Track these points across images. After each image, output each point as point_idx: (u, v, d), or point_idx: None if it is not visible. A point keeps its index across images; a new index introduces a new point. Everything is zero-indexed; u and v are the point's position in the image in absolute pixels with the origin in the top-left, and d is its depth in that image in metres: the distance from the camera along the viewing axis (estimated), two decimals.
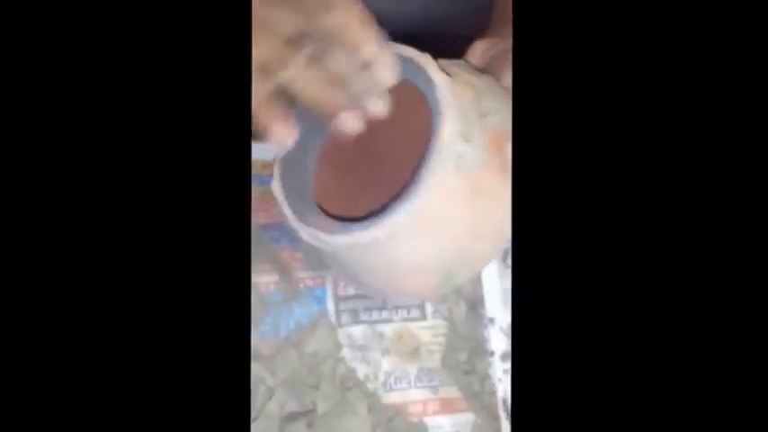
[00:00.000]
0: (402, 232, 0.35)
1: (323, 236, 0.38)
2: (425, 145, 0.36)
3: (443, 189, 0.35)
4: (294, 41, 0.33)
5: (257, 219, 0.50)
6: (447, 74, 0.37)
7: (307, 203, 0.42)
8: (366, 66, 0.34)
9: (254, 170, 0.48)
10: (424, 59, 0.37)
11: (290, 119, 0.35)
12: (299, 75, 0.34)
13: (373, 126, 0.39)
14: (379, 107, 0.36)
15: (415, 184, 0.35)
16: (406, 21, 0.57)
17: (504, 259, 0.47)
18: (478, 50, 0.43)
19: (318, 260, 0.49)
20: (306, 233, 0.39)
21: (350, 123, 0.36)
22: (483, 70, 0.41)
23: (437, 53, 0.38)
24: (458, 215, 0.36)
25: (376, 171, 0.43)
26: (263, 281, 0.48)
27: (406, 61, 0.36)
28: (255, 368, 0.46)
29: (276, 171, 0.41)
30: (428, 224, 0.36)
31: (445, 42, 0.41)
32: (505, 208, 0.36)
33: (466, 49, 0.44)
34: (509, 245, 0.47)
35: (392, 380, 0.46)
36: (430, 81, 0.36)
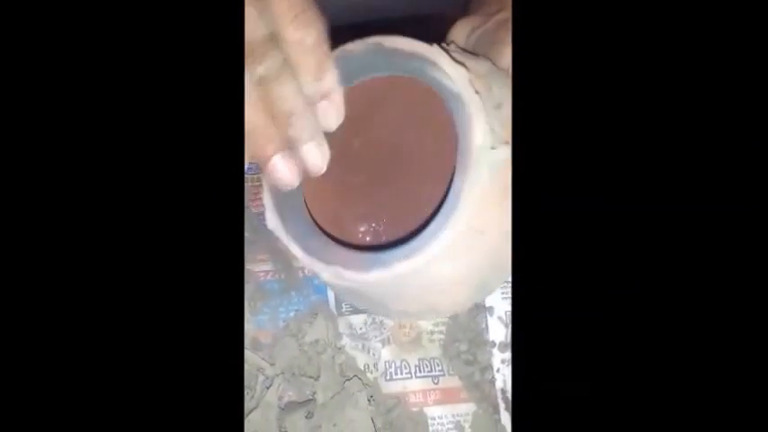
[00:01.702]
0: (444, 254, 0.31)
1: (351, 274, 0.32)
2: (451, 151, 0.32)
3: (482, 197, 0.31)
4: (252, 52, 0.30)
5: (254, 207, 0.49)
6: (462, 65, 0.32)
7: (314, 234, 0.36)
8: (313, 102, 0.30)
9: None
10: (434, 52, 0.32)
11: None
12: (250, 90, 0.30)
13: (377, 134, 0.36)
14: (316, 161, 0.31)
15: (454, 199, 0.30)
16: (378, 6, 0.52)
17: None
18: (463, 31, 0.39)
19: None
20: (328, 273, 0.33)
21: (283, 173, 0.31)
22: (475, 53, 0.36)
23: (418, 38, 0.33)
24: (493, 221, 0.32)
25: (392, 185, 0.39)
26: (261, 270, 0.48)
27: (410, 57, 0.32)
28: (254, 358, 0.46)
29: (268, 201, 0.34)
30: (468, 238, 0.31)
31: (425, 25, 0.36)
32: None
33: (446, 31, 0.39)
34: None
35: (392, 369, 0.46)
36: (445, 76, 0.31)
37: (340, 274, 0.32)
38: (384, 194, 0.42)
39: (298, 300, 0.47)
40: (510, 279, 0.46)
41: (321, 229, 0.37)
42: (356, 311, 0.47)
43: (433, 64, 0.32)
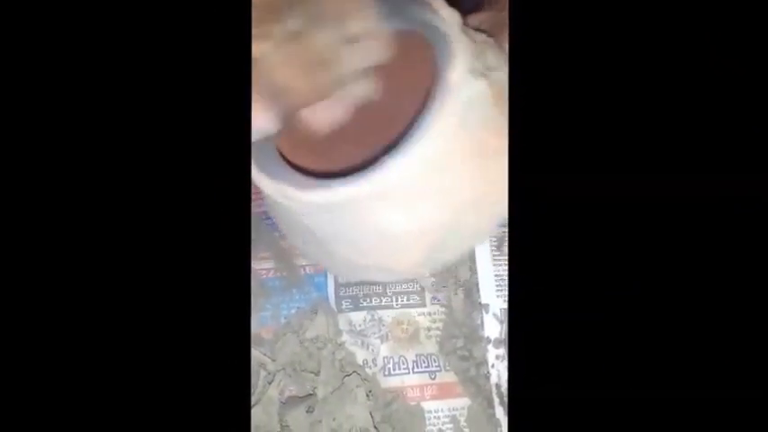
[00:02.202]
0: (391, 192, 0.29)
1: (292, 192, 0.31)
2: (427, 92, 0.30)
3: (445, 145, 0.29)
4: (276, 10, 0.29)
5: (256, 206, 0.50)
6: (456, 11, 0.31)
7: (274, 156, 0.34)
8: (353, 41, 0.29)
9: None
10: None
11: (269, 103, 0.30)
12: (276, 50, 0.29)
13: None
14: (364, 91, 0.30)
15: (413, 135, 0.29)
16: None
17: (500, 247, 0.48)
18: (473, 23, 0.38)
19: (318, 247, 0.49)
20: (271, 188, 0.32)
21: (327, 115, 0.30)
22: (480, 30, 0.35)
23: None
24: (457, 180, 0.30)
25: (364, 121, 0.36)
26: (263, 268, 0.49)
27: (405, 3, 0.31)
28: (256, 354, 0.46)
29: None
30: (422, 186, 0.30)
31: None
32: (502, 183, 0.31)
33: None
34: (505, 231, 0.48)
35: (391, 365, 0.47)
36: (436, 15, 0.31)
37: (283, 190, 0.31)
38: (352, 140, 0.38)
39: (299, 297, 0.48)
40: (503, 273, 0.47)
41: (283, 157, 0.35)
42: (356, 309, 0.48)
43: (426, 4, 0.31)
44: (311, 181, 0.32)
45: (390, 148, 0.30)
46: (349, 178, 0.30)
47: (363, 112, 0.34)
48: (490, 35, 0.36)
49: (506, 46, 0.35)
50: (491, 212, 0.33)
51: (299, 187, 0.31)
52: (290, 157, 0.35)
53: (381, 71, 0.31)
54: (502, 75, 0.32)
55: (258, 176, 0.32)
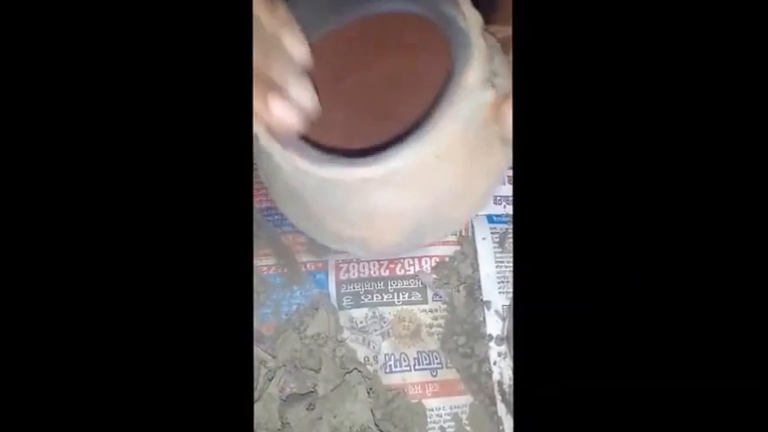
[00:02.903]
0: (395, 179, 0.31)
1: (301, 163, 0.32)
2: (442, 85, 0.32)
3: (451, 142, 0.31)
4: None
5: (258, 202, 0.50)
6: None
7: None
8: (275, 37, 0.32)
9: None
10: None
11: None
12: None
13: (375, 56, 0.36)
14: (300, 94, 0.32)
15: (425, 130, 0.31)
16: None
17: (502, 244, 0.47)
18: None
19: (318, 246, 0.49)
20: (281, 156, 0.33)
21: (281, 111, 0.32)
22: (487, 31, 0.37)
23: None
24: (451, 173, 0.33)
25: (377, 105, 0.38)
26: (264, 264, 0.49)
27: None
28: (257, 350, 0.46)
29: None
30: (422, 174, 0.32)
31: None
32: (492, 180, 0.33)
33: None
34: (508, 229, 0.48)
35: (392, 362, 0.47)
36: (460, 15, 0.32)
37: (292, 160, 0.32)
38: (369, 124, 0.41)
39: (300, 294, 0.48)
40: (505, 270, 0.47)
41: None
42: (357, 305, 0.48)
43: (451, 2, 0.32)
44: (321, 156, 0.33)
45: (402, 138, 0.31)
46: (360, 160, 0.32)
47: (374, 96, 0.36)
48: (499, 41, 0.37)
49: (510, 56, 0.36)
50: (468, 207, 0.36)
51: (307, 159, 0.32)
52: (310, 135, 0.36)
53: (394, 56, 0.33)
54: (503, 82, 0.33)
55: (269, 143, 0.33)
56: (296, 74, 0.32)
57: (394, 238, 0.36)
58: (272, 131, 0.33)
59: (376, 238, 0.36)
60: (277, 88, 0.32)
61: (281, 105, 0.31)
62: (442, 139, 0.31)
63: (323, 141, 0.36)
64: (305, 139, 0.35)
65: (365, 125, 0.37)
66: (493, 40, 0.35)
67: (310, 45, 0.34)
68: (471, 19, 0.32)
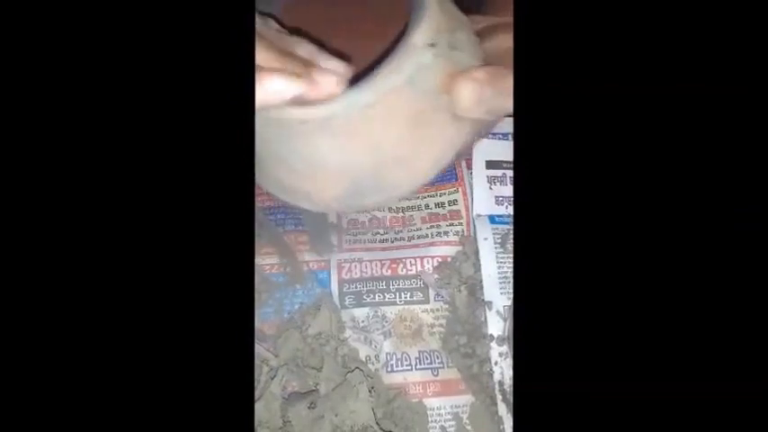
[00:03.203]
0: (334, 125, 0.32)
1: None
2: (390, 45, 0.33)
3: (391, 97, 0.32)
4: None
5: (261, 201, 0.50)
6: None
7: None
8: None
9: None
10: None
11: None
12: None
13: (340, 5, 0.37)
14: (333, 64, 0.33)
15: (365, 80, 0.32)
16: None
17: (503, 244, 0.48)
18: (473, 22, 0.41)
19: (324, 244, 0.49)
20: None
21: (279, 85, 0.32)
22: (467, 10, 0.38)
23: None
24: (393, 133, 0.33)
25: (332, 50, 0.38)
26: (266, 263, 0.49)
27: None
28: (259, 349, 0.46)
29: None
30: (361, 126, 0.33)
31: None
32: (436, 152, 0.34)
33: None
34: (509, 229, 0.48)
35: (393, 361, 0.47)
36: None
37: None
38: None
39: (302, 292, 0.48)
40: (506, 270, 0.47)
41: None
42: (359, 305, 0.48)
43: None
44: None
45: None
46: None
47: (333, 43, 0.36)
48: (480, 35, 0.37)
49: (488, 46, 0.37)
50: (411, 175, 0.36)
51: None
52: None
53: (354, 12, 0.34)
54: (464, 57, 0.34)
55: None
56: (317, 50, 0.34)
57: (332, 193, 0.36)
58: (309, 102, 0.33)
59: (317, 191, 0.37)
60: (311, 64, 0.33)
61: (325, 75, 0.32)
62: (379, 90, 0.31)
63: None
64: None
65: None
66: (464, 18, 0.36)
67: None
68: None
